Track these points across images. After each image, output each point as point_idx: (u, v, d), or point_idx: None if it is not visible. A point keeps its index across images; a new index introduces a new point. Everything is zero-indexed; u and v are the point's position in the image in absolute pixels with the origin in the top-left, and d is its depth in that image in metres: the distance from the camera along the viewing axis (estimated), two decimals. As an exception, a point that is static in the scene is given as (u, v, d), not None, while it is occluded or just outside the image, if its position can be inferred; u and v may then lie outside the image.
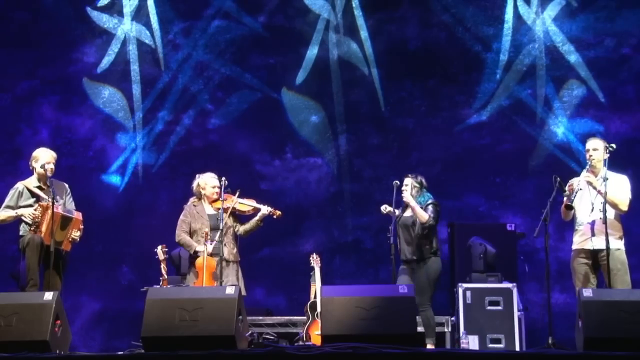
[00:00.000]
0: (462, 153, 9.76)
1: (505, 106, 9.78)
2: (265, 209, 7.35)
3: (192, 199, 7.57)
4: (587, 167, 6.63)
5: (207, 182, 7.47)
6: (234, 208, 7.34)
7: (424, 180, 7.44)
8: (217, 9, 10.13)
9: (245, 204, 7.41)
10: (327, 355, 5.13)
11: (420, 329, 7.24)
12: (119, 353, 6.20)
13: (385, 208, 7.43)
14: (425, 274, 7.17)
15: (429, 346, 7.06)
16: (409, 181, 7.40)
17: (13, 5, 10.13)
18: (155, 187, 9.94)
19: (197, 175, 7.58)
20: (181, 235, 7.40)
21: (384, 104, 9.93)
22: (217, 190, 7.42)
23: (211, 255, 7.17)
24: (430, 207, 7.26)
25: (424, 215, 7.19)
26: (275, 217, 7.40)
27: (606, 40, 9.67)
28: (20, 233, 6.98)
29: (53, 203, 6.74)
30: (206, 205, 7.46)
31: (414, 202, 7.23)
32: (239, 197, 7.38)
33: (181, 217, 7.47)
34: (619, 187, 6.59)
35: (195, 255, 7.29)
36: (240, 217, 7.50)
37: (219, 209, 7.34)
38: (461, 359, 5.47)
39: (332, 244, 9.73)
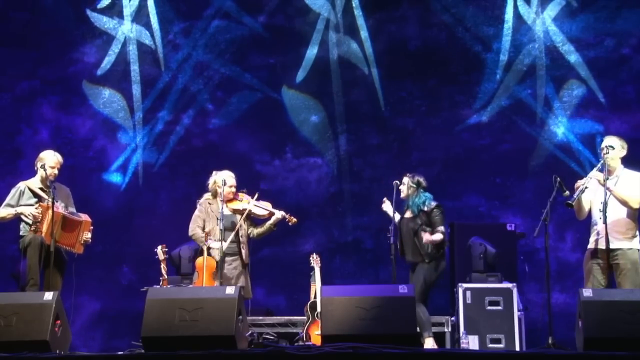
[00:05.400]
0: (462, 153, 9.76)
1: (505, 106, 9.78)
2: (279, 214, 7.33)
3: (206, 196, 7.51)
4: (599, 165, 6.56)
5: (226, 180, 7.34)
6: (249, 211, 7.32)
7: (422, 180, 7.44)
8: (217, 9, 10.13)
9: (262, 208, 7.38)
10: (327, 355, 5.13)
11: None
12: (119, 353, 6.20)
13: (385, 202, 7.42)
14: (423, 275, 7.22)
15: (428, 341, 7.07)
16: (406, 180, 7.43)
17: (13, 5, 10.13)
18: (155, 187, 9.94)
19: (214, 172, 7.51)
20: (195, 230, 7.34)
21: (384, 104, 9.94)
22: (234, 189, 7.40)
23: (227, 255, 7.15)
24: (436, 218, 7.26)
25: (438, 239, 7.22)
26: (290, 223, 7.37)
27: (606, 40, 9.66)
28: (21, 233, 6.99)
29: (53, 203, 6.75)
30: (221, 204, 7.39)
31: (430, 237, 7.22)
32: (256, 199, 7.36)
33: (196, 212, 7.42)
34: (632, 185, 6.48)
35: (202, 253, 7.28)
36: (255, 220, 7.49)
37: (233, 209, 7.32)
38: (461, 359, 5.47)
39: (332, 244, 9.73)
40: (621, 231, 6.43)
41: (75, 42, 10.09)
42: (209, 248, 7.20)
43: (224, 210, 7.31)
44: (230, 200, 7.39)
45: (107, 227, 9.33)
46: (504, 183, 9.71)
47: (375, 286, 6.95)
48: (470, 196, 9.58)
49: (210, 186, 7.49)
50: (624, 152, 6.60)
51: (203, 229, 7.35)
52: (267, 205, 7.42)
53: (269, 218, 7.39)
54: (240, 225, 7.28)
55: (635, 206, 6.47)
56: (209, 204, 7.42)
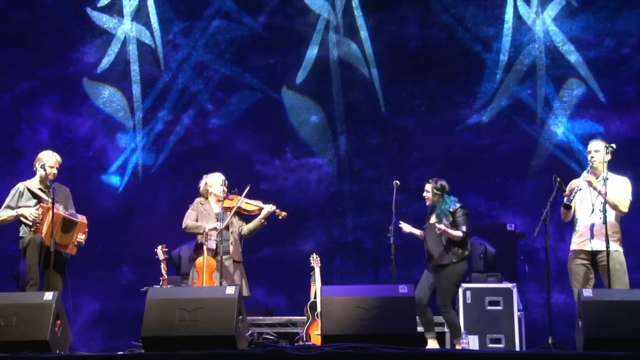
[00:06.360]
0: (462, 153, 9.76)
1: (506, 106, 9.79)
2: (269, 207, 7.33)
3: (198, 199, 7.55)
4: (588, 168, 6.63)
5: (215, 180, 7.42)
6: (239, 207, 7.34)
7: (445, 184, 7.31)
8: (217, 9, 10.13)
9: (251, 204, 7.40)
10: (327, 355, 5.12)
11: (420, 329, 7.26)
12: (119, 353, 6.19)
13: (406, 227, 7.39)
14: (449, 277, 7.14)
15: (457, 346, 7.08)
16: (429, 187, 7.31)
17: (13, 5, 10.13)
18: (155, 187, 9.95)
19: (204, 176, 7.56)
20: (187, 222, 7.36)
21: (384, 104, 9.94)
22: (225, 188, 7.42)
23: (218, 254, 7.15)
24: (459, 218, 7.16)
25: (458, 235, 7.11)
26: (280, 217, 7.37)
27: (606, 40, 9.66)
28: (20, 234, 6.97)
29: (53, 204, 6.74)
30: (213, 204, 7.43)
31: (447, 228, 7.12)
32: (245, 197, 7.37)
33: (189, 210, 7.45)
34: (620, 189, 6.58)
35: (198, 252, 7.28)
36: (246, 217, 7.50)
37: (225, 207, 7.34)
38: (461, 359, 5.47)
39: (332, 244, 9.73)
40: (608, 233, 6.45)
41: (75, 41, 10.10)
42: (208, 248, 7.20)
43: (216, 209, 7.38)
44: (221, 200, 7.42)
45: (107, 227, 9.35)
46: (504, 183, 9.71)
47: (375, 286, 6.95)
48: (470, 196, 9.56)
49: (201, 189, 7.53)
50: (609, 156, 6.64)
51: None
52: (258, 202, 7.43)
53: (259, 214, 7.39)
54: (231, 222, 7.28)
55: (625, 210, 6.57)
56: (201, 204, 7.46)
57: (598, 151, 6.61)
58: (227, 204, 7.37)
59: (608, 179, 6.53)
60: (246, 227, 7.43)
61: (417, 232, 7.42)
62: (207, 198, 7.49)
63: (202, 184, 7.53)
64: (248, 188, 7.35)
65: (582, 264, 6.59)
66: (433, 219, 7.27)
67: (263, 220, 7.38)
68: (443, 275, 7.16)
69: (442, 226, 7.11)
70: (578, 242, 6.65)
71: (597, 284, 6.57)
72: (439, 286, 7.16)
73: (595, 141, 6.77)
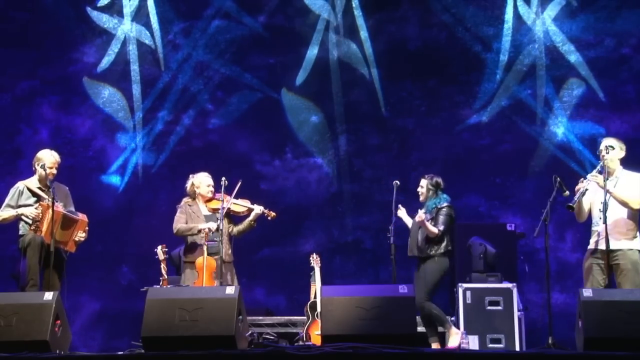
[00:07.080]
0: (462, 153, 9.76)
1: (506, 106, 9.78)
2: (258, 209, 7.30)
3: (185, 199, 7.53)
4: (598, 166, 6.58)
5: (202, 181, 7.42)
6: (228, 209, 7.32)
7: (440, 181, 7.39)
8: (217, 9, 10.13)
9: (239, 205, 7.36)
10: (327, 355, 5.13)
11: (420, 329, 7.26)
12: (119, 353, 6.20)
13: (400, 210, 7.44)
14: (430, 273, 7.17)
15: (447, 333, 7.09)
16: (424, 182, 7.39)
17: (13, 5, 10.13)
18: (155, 187, 9.94)
19: (190, 176, 7.54)
20: (178, 225, 7.35)
21: (384, 104, 9.94)
22: (212, 189, 7.41)
23: (209, 255, 7.15)
24: (441, 217, 7.21)
25: (433, 231, 7.15)
26: (269, 218, 7.35)
27: (606, 40, 9.66)
28: (20, 232, 6.98)
29: (53, 203, 6.75)
30: (201, 205, 7.43)
31: (426, 221, 7.15)
32: (234, 197, 7.34)
33: (177, 214, 7.43)
34: (632, 185, 6.49)
35: (191, 252, 7.27)
36: (234, 218, 7.48)
37: (213, 209, 7.31)
38: (461, 359, 5.47)
39: (332, 244, 9.73)
40: (622, 232, 6.44)
41: (75, 41, 10.09)
42: (199, 231, 7.19)
43: (204, 210, 7.38)
44: (209, 200, 7.41)
45: (107, 227, 9.34)
46: (504, 183, 9.71)
47: (375, 286, 6.95)
48: (470, 196, 9.57)
49: (188, 189, 7.52)
50: (622, 154, 6.61)
51: None
52: (246, 202, 7.40)
53: (248, 214, 7.37)
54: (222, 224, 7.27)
55: (636, 207, 6.48)
56: (189, 205, 7.45)
57: (612, 147, 6.56)
58: (216, 204, 7.35)
59: (608, 179, 6.51)
60: (236, 229, 7.41)
61: (409, 221, 7.44)
62: (194, 199, 7.47)
63: (188, 184, 7.52)
64: (239, 184, 7.29)
65: (596, 263, 6.50)
66: (420, 213, 7.30)
67: (252, 222, 7.36)
68: (424, 270, 7.20)
69: (423, 215, 7.15)
70: (593, 241, 6.58)
71: (613, 283, 6.50)
72: (418, 280, 7.21)
73: (607, 138, 6.71)
